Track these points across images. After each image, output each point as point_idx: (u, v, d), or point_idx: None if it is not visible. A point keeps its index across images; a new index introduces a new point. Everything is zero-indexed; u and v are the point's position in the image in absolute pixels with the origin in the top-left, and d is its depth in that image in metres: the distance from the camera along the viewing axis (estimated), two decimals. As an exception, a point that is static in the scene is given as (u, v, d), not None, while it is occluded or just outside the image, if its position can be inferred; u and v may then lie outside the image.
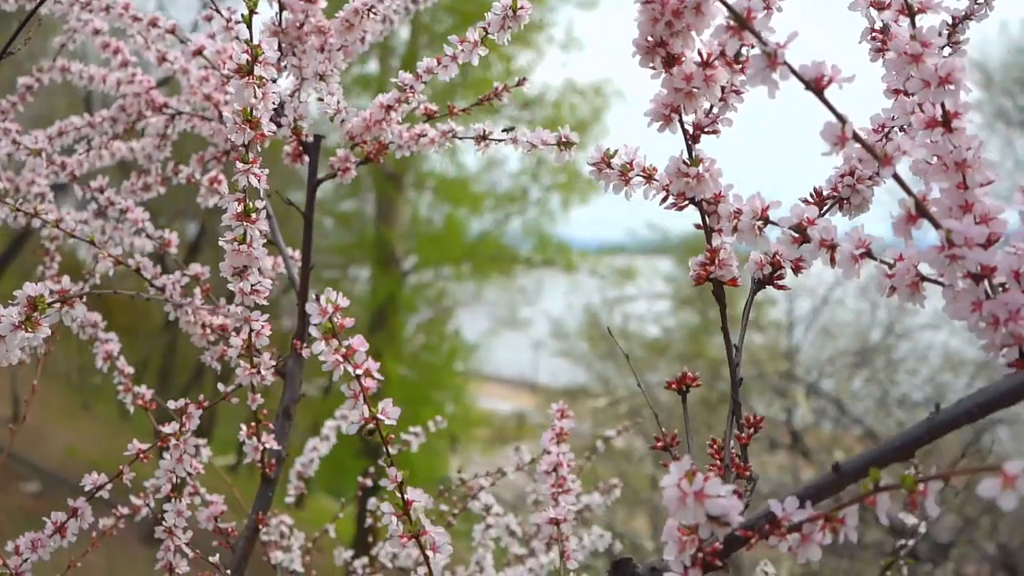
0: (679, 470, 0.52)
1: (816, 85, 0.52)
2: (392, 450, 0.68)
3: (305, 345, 1.00)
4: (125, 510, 1.17)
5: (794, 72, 0.52)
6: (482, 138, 0.99)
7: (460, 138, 1.01)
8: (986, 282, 0.55)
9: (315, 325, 0.63)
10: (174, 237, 1.13)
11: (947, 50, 0.74)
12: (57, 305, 0.67)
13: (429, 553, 0.67)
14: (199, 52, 1.08)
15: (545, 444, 0.99)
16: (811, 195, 0.71)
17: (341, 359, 0.64)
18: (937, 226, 0.53)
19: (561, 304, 11.01)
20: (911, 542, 1.15)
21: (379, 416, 0.65)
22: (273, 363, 0.94)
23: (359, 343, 0.65)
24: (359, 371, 0.64)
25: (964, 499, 6.39)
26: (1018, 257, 0.55)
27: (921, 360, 7.69)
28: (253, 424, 0.99)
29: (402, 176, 11.30)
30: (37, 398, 1.37)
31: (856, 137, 0.52)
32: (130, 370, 1.14)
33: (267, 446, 1.00)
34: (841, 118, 0.52)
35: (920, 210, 0.54)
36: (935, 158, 0.57)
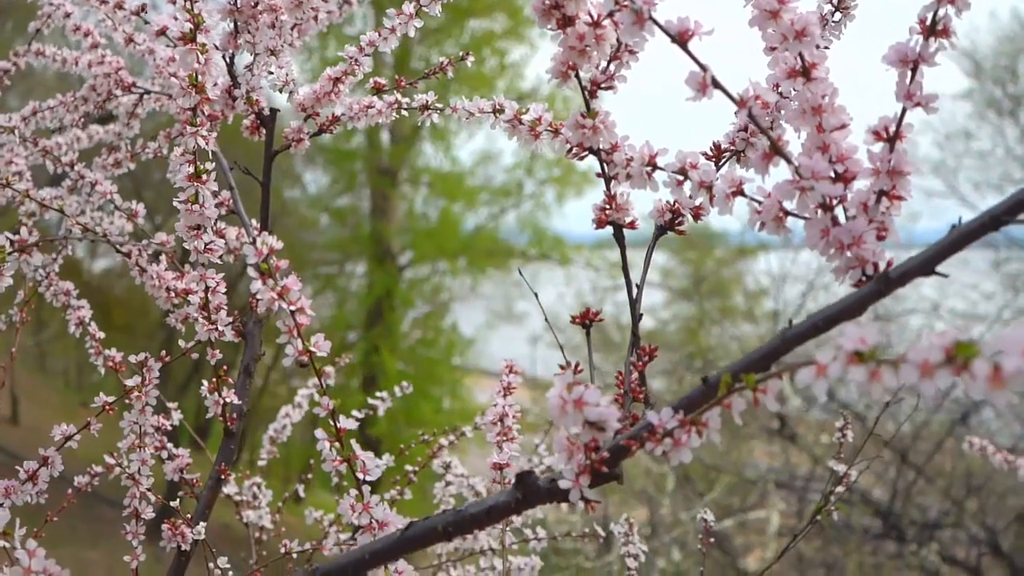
0: (562, 382, 0.59)
1: (681, 38, 0.59)
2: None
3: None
4: (99, 468, 1.23)
5: (660, 27, 0.59)
6: (425, 107, 1.05)
7: (406, 109, 1.07)
8: (841, 212, 0.61)
9: (251, 266, 0.70)
10: (140, 208, 1.20)
11: (837, 15, 0.81)
12: (16, 254, 0.74)
13: (360, 475, 0.74)
14: (163, 32, 1.14)
15: (492, 397, 1.05)
16: (710, 148, 0.77)
17: (276, 296, 0.70)
18: (789, 162, 0.60)
19: (554, 296, 11.05)
20: (840, 488, 1.22)
21: (312, 348, 0.72)
22: (229, 320, 1.00)
23: (293, 283, 0.71)
24: (293, 307, 0.71)
25: (950, 482, 6.48)
26: (866, 191, 0.61)
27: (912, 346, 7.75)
28: (215, 380, 1.06)
29: (397, 172, 11.36)
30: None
31: (715, 84, 0.59)
32: (101, 335, 1.20)
33: (228, 401, 1.07)
34: (703, 67, 0.59)
35: (775, 148, 0.60)
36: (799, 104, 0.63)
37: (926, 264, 0.55)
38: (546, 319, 1.08)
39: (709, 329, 9.88)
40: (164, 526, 1.06)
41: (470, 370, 11.81)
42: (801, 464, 6.87)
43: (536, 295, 1.07)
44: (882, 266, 0.59)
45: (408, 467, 1.43)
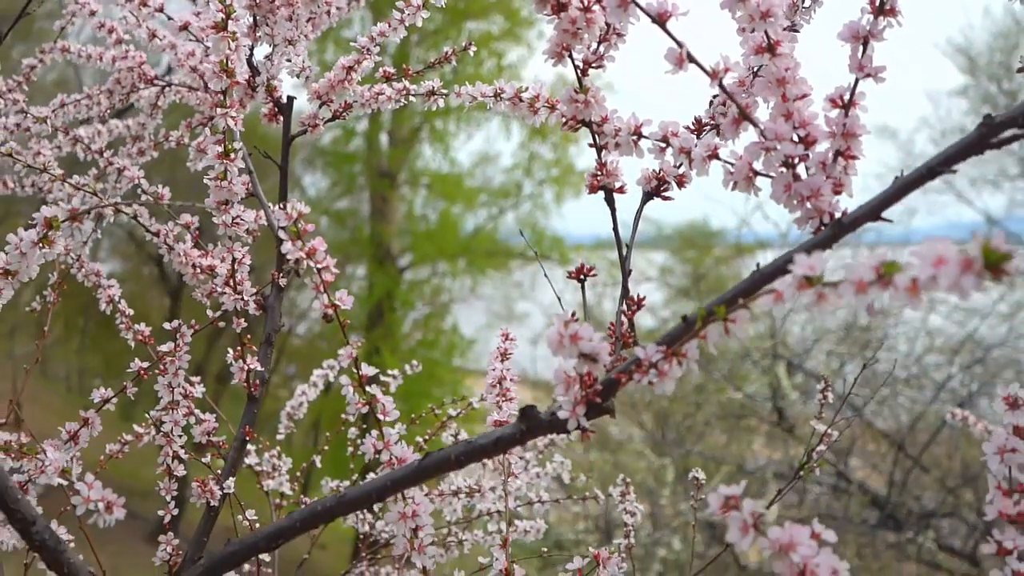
0: (560, 321, 0.67)
1: (660, 19, 0.67)
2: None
3: (283, 277, 1.14)
4: (129, 437, 1.32)
5: (641, 9, 0.67)
6: (431, 93, 1.14)
7: (413, 95, 1.16)
8: (803, 170, 0.70)
9: (282, 228, 0.78)
10: (167, 192, 1.28)
11: (807, 1, 0.89)
12: (68, 222, 0.82)
13: (380, 416, 0.82)
14: (185, 27, 1.22)
15: (490, 362, 1.14)
16: (692, 122, 0.86)
17: (305, 256, 0.79)
18: (756, 126, 0.68)
19: (553, 295, 11.11)
20: (822, 447, 1.30)
21: (337, 302, 0.80)
22: (254, 291, 1.09)
23: (319, 244, 0.80)
24: (320, 266, 0.79)
25: (946, 472, 6.56)
26: (825, 152, 0.70)
27: (911, 341, 7.86)
28: (239, 348, 1.14)
29: (396, 174, 11.46)
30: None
31: (690, 58, 0.67)
32: (130, 312, 1.28)
33: (252, 368, 1.15)
34: (679, 44, 0.67)
35: (743, 115, 0.69)
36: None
37: (873, 211, 0.63)
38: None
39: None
40: (194, 483, 1.14)
41: (471, 371, 11.88)
42: (798, 455, 6.95)
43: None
44: (837, 215, 0.67)
45: (419, 438, 1.52)
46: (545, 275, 1.02)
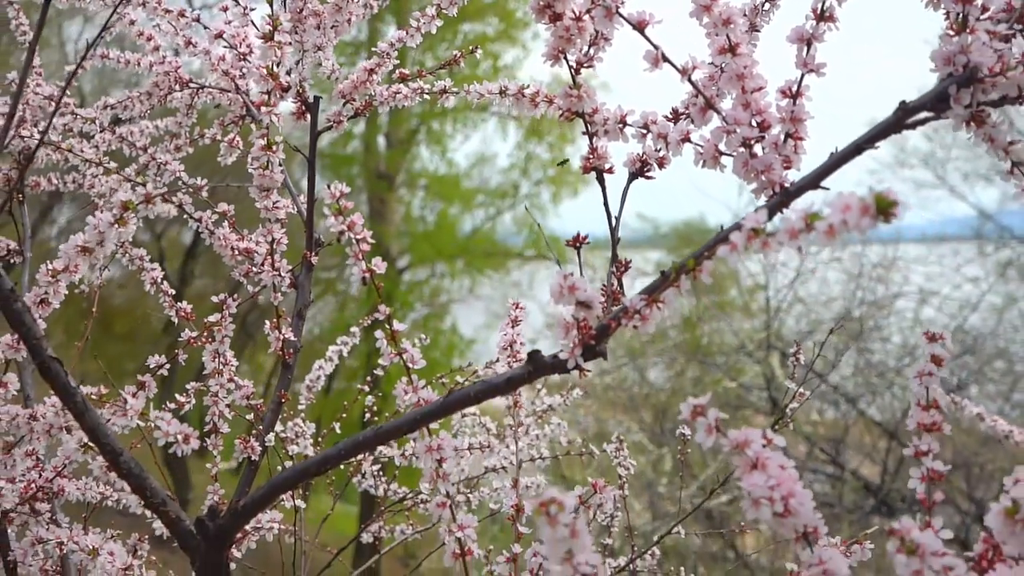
0: (559, 275, 0.82)
1: (640, 26, 0.82)
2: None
3: (314, 255, 1.29)
4: (172, 405, 1.46)
5: (624, 18, 0.82)
6: (443, 92, 1.28)
7: (427, 94, 1.30)
8: (759, 149, 0.85)
9: (327, 205, 0.92)
10: (204, 183, 1.42)
11: (767, 5, 1.04)
12: (143, 204, 0.96)
13: (409, 365, 0.97)
14: (219, 36, 1.37)
15: (502, 327, 1.28)
16: (670, 112, 1.00)
17: (346, 229, 0.93)
18: (719, 114, 0.83)
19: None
20: (794, 405, 1.44)
21: (372, 267, 0.95)
22: (290, 268, 1.23)
23: (358, 219, 0.94)
24: (358, 237, 0.94)
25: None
26: (776, 135, 0.84)
27: (904, 332, 8.00)
28: (275, 320, 1.29)
29: (394, 176, 11.61)
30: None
31: (664, 59, 0.82)
32: (172, 292, 1.43)
33: (286, 337, 1.30)
34: (655, 47, 0.82)
35: (708, 104, 0.83)
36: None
37: (812, 181, 0.78)
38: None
39: (708, 323, 10.12)
40: (236, 442, 1.29)
41: (471, 371, 11.95)
42: (794, 445, 7.11)
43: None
44: (787, 186, 0.82)
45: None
46: (557, 262, 1.16)
